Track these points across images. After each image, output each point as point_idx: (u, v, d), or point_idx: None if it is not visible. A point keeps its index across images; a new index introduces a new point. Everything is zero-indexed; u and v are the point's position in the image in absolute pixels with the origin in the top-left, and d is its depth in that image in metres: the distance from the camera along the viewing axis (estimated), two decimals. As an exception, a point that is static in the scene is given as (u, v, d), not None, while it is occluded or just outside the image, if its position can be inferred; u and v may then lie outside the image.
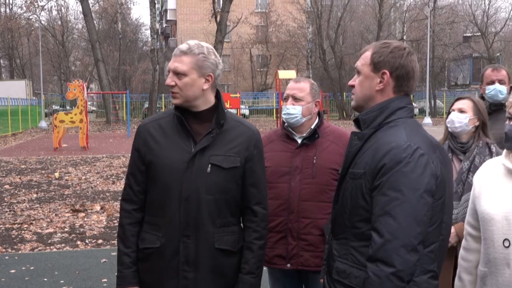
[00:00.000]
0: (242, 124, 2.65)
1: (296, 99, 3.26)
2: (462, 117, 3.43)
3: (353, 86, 2.30)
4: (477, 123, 3.44)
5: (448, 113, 3.54)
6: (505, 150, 2.50)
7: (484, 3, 52.59)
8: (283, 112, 3.30)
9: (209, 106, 2.59)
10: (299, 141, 3.30)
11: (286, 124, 3.35)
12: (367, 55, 2.24)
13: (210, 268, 2.55)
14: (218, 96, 2.63)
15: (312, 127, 3.30)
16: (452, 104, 3.55)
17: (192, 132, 2.55)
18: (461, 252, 2.68)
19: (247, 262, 2.61)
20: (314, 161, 3.22)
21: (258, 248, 2.63)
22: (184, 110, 2.57)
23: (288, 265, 3.27)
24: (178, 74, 2.51)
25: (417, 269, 2.01)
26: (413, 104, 2.74)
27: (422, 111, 38.61)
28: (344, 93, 44.52)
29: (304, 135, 3.29)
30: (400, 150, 2.02)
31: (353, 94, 2.31)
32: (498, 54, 50.87)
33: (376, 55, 2.20)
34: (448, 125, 3.49)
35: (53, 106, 50.07)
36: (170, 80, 2.53)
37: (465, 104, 3.47)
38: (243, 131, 2.62)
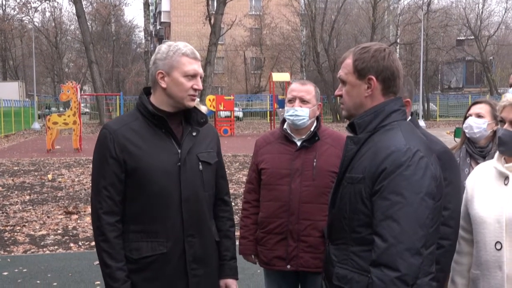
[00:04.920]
0: None
1: (304, 101, 3.26)
2: (480, 122, 3.34)
3: (340, 96, 2.28)
4: (495, 128, 3.30)
5: (465, 117, 3.45)
6: (497, 154, 2.52)
7: (478, 6, 52.45)
8: (288, 113, 3.27)
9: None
10: (299, 143, 3.30)
11: (285, 126, 3.35)
12: (348, 63, 2.23)
13: (215, 260, 2.70)
14: None
15: (312, 129, 3.30)
16: (469, 109, 3.45)
17: (174, 132, 2.54)
18: (454, 255, 2.69)
19: (229, 249, 2.78)
20: (314, 163, 3.23)
21: (233, 235, 2.83)
22: (159, 112, 2.52)
23: (288, 266, 3.29)
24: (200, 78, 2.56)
25: (420, 272, 1.99)
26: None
27: (415, 114, 38.72)
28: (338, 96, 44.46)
29: (304, 137, 3.30)
30: (400, 154, 2.01)
31: (342, 104, 2.29)
32: (491, 57, 51.12)
33: (358, 62, 2.18)
34: (466, 131, 3.40)
35: (45, 108, 49.91)
36: (201, 84, 2.55)
37: (482, 108, 3.38)
38: (209, 126, 2.72)
